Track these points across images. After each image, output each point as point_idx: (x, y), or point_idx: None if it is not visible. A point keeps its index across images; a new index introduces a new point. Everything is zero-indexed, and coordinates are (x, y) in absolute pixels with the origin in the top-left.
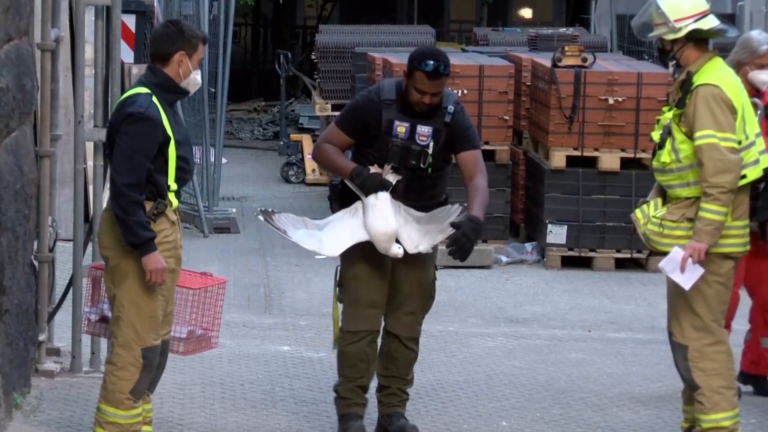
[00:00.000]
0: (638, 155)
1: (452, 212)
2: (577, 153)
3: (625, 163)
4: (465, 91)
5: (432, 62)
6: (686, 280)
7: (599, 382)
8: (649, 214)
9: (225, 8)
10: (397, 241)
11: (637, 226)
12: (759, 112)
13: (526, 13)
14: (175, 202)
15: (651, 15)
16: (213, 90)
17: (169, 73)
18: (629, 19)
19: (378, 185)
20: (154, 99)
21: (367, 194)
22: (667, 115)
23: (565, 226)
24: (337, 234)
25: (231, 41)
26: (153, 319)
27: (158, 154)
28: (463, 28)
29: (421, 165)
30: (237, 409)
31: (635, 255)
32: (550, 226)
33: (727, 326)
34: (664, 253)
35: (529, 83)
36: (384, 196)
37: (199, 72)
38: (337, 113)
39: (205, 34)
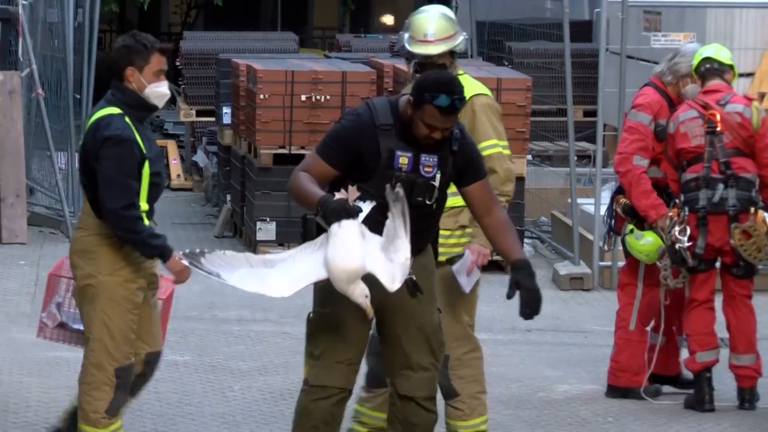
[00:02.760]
0: None
1: (394, 224)
2: None
3: None
4: (328, 97)
5: (446, 97)
6: (468, 283)
7: None
8: None
9: (90, 15)
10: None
11: None
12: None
13: (388, 19)
14: (145, 222)
15: (447, 25)
16: (78, 96)
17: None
18: (489, 25)
19: (340, 211)
20: (127, 119)
21: (329, 223)
22: None
23: None
24: (290, 271)
25: (96, 48)
26: (125, 339)
27: None
28: (326, 35)
29: (428, 201)
30: None
31: (495, 257)
32: None
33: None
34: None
35: (391, 89)
36: (349, 225)
37: (161, 84)
38: (203, 119)
39: (161, 44)
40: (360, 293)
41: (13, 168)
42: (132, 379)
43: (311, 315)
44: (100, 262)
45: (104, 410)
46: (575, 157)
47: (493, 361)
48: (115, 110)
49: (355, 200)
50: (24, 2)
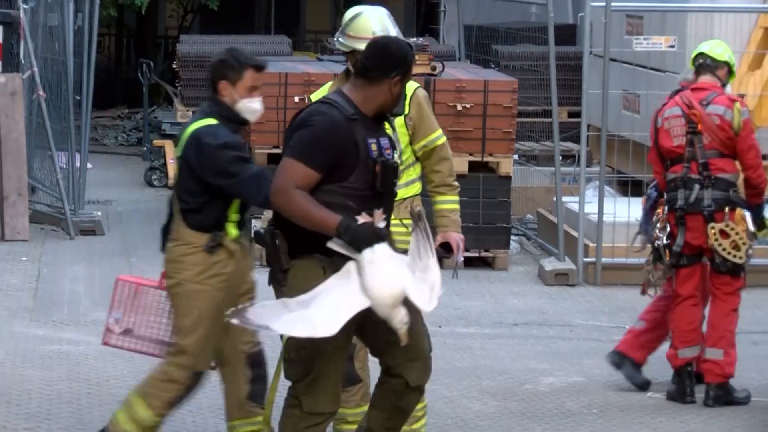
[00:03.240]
0: (485, 159)
1: (418, 239)
2: None
3: (473, 166)
4: None
5: (411, 50)
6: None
7: (449, 375)
8: None
9: (89, 19)
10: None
11: None
12: None
13: None
14: (233, 232)
15: (388, 23)
16: (78, 98)
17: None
18: (476, 29)
19: (372, 236)
20: (227, 130)
21: (361, 250)
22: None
23: None
24: (329, 307)
25: (95, 51)
26: (203, 346)
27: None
28: (318, 38)
29: (397, 183)
30: (103, 404)
31: (483, 254)
32: None
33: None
34: None
35: None
36: (382, 249)
37: (254, 99)
38: None
39: (257, 60)
40: (401, 319)
41: (15, 167)
42: (200, 384)
43: (293, 339)
44: (188, 270)
45: (164, 401)
46: (560, 157)
47: (481, 354)
48: (213, 121)
49: (378, 222)
50: (25, 6)
